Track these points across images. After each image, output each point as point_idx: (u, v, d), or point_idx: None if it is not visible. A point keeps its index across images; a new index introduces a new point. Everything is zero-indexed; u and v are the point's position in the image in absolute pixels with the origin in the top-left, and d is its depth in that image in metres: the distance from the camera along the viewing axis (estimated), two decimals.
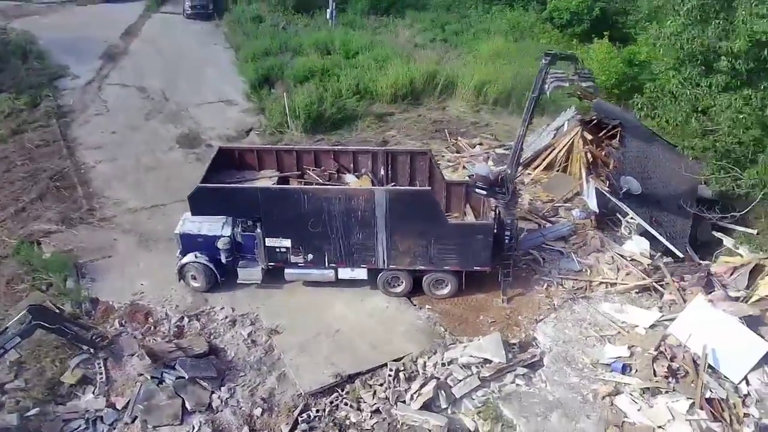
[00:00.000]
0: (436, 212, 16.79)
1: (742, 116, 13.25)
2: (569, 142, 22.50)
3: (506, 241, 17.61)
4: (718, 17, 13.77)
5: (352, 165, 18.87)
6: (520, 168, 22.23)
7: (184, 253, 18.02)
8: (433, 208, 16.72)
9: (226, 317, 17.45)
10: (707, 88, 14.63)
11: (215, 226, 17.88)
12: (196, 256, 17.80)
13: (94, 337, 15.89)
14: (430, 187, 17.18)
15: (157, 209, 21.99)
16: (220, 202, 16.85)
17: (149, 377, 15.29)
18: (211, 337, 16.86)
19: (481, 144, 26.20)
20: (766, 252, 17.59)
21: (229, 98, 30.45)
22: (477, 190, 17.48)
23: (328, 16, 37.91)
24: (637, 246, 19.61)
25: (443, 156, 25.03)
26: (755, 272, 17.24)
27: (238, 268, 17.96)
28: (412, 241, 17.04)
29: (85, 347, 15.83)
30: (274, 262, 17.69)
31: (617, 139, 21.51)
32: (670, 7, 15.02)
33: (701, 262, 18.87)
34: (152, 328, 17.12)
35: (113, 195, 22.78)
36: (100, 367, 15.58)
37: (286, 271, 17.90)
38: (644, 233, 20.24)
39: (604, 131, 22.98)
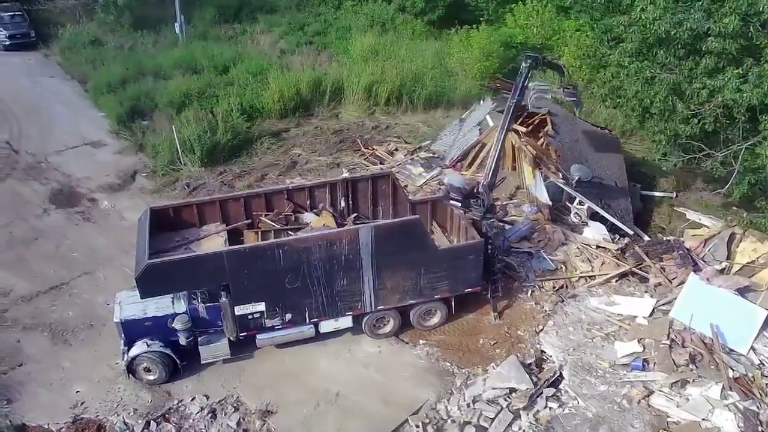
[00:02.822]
0: (426, 240, 15.20)
1: (745, 95, 13.20)
2: None
3: (490, 254, 16.49)
4: None
5: (308, 202, 16.61)
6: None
7: (129, 344, 14.67)
8: (422, 236, 15.10)
9: (202, 409, 14.50)
10: (687, 71, 14.54)
11: (164, 304, 14.76)
12: (147, 345, 14.57)
13: None
14: (417, 215, 15.52)
15: (59, 290, 18.00)
16: (177, 276, 13.81)
17: None
18: None
19: (396, 150, 24.82)
20: (732, 220, 18.08)
21: (94, 139, 26.08)
22: (451, 202, 16.20)
23: (177, 30, 34.07)
24: (596, 232, 19.51)
25: (367, 169, 23.31)
26: (728, 242, 17.73)
27: (200, 347, 15.04)
28: (401, 276, 15.32)
29: None
30: (245, 331, 15.02)
31: (550, 127, 21.15)
32: None
33: (667, 238, 19.14)
34: None
35: None
36: None
37: (258, 337, 15.35)
38: (592, 216, 20.30)
39: (521, 119, 22.61)
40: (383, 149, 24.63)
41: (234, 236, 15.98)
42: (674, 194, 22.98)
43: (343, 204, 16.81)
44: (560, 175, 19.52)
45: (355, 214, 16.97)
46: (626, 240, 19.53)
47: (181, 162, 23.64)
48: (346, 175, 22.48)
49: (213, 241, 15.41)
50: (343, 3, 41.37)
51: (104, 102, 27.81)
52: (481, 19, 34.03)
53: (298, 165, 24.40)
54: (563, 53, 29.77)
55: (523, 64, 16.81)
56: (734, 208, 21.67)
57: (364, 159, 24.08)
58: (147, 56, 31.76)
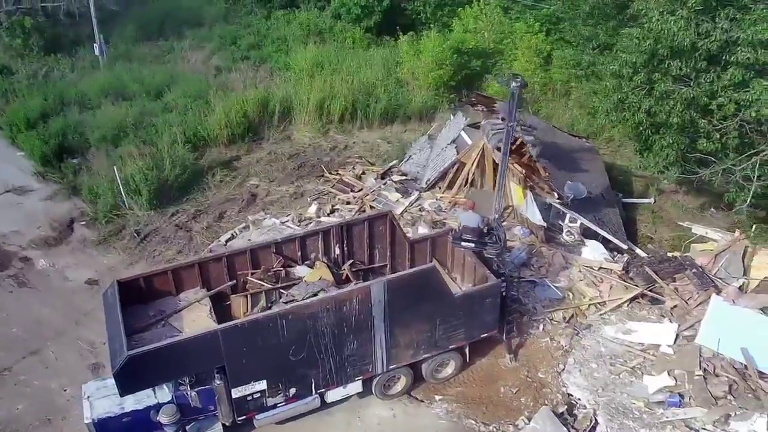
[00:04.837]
0: (442, 288, 13.55)
1: None
2: (479, 155, 20.45)
3: (504, 294, 15.01)
4: (725, 8, 12.62)
5: (299, 253, 14.57)
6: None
7: None
8: (438, 285, 13.44)
9: None
10: (707, 85, 13.56)
11: (144, 394, 12.38)
12: None
13: None
14: (432, 263, 13.82)
15: (2, 379, 15.20)
16: (164, 365, 11.54)
17: None
18: None
19: (364, 173, 22.94)
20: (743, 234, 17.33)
21: (16, 184, 22.78)
22: (463, 244, 14.58)
23: (96, 52, 30.69)
24: (595, 251, 18.46)
25: (336, 198, 21.36)
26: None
27: None
28: (415, 330, 13.63)
29: None
30: (244, 414, 12.92)
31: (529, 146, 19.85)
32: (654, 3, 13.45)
33: (673, 254, 18.25)
34: None
35: None
36: None
37: (257, 417, 13.27)
38: (584, 233, 19.26)
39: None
40: (350, 173, 22.72)
41: (218, 301, 13.76)
42: (653, 200, 22.40)
43: (337, 251, 14.90)
44: (555, 194, 18.31)
45: (351, 261, 15.11)
46: (625, 257, 18.58)
47: (125, 206, 20.88)
48: (312, 210, 20.55)
49: (195, 311, 13.15)
50: (273, 12, 38.99)
51: (24, 140, 24.42)
52: (431, 25, 32.54)
53: (258, 198, 22.15)
54: (516, 57, 28.87)
55: (514, 84, 15.43)
56: (712, 209, 21.31)
57: (331, 186, 22.10)
58: (67, 83, 28.36)
